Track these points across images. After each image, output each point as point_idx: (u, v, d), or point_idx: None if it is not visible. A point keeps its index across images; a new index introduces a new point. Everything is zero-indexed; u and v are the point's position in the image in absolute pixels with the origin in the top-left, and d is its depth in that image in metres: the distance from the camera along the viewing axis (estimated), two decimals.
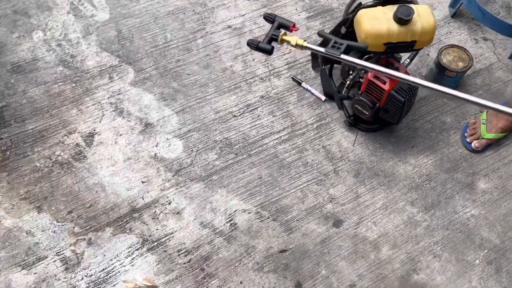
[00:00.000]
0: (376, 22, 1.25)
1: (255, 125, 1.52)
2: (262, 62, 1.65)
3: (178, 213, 1.35)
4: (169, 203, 1.36)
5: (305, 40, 1.05)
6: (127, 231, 1.31)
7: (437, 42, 1.72)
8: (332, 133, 1.52)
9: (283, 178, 1.42)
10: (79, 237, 1.30)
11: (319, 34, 1.14)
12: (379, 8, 1.29)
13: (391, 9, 1.27)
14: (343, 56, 0.99)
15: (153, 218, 1.34)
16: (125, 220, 1.33)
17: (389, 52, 1.29)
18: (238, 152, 1.45)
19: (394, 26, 1.24)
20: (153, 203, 1.36)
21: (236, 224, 1.34)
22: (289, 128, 1.52)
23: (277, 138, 1.50)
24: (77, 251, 1.28)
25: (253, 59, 1.66)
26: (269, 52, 0.99)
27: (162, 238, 1.31)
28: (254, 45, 1.00)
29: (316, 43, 1.78)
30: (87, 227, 1.31)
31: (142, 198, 1.37)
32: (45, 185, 1.37)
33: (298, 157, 1.47)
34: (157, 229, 1.32)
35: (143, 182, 1.39)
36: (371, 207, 1.39)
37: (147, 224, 1.33)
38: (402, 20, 1.22)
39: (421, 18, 1.26)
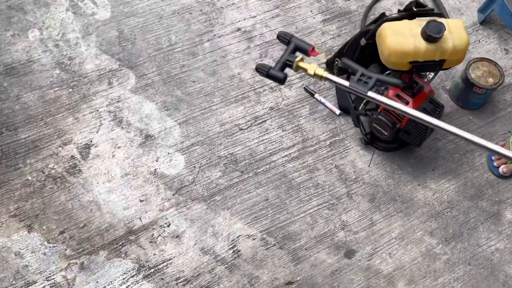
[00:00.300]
0: (401, 38, 1.12)
1: (263, 140, 1.41)
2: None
3: (177, 236, 1.25)
4: (168, 226, 1.27)
5: (325, 69, 0.92)
6: (123, 255, 1.23)
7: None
8: (346, 151, 1.41)
9: (291, 201, 1.32)
10: (71, 261, 1.21)
11: (344, 63, 0.98)
12: (405, 22, 1.16)
13: (418, 24, 1.14)
14: (371, 94, 0.86)
15: (150, 242, 1.25)
16: (120, 243, 1.24)
17: (414, 71, 1.17)
18: (244, 170, 1.35)
19: (422, 44, 1.11)
20: (151, 225, 1.27)
21: (239, 251, 1.24)
22: (300, 144, 1.41)
23: (286, 155, 1.39)
24: (68, 276, 1.20)
25: None
26: (281, 81, 0.87)
27: (160, 264, 1.22)
28: (263, 71, 0.88)
29: (332, 49, 1.66)
30: (80, 250, 1.23)
31: (140, 219, 1.27)
32: (36, 201, 1.28)
33: (308, 177, 1.36)
34: (154, 254, 1.23)
35: (141, 201, 1.29)
36: (386, 236, 1.28)
37: (144, 248, 1.24)
38: (431, 37, 1.09)
39: (452, 34, 1.13)
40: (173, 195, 1.31)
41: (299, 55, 0.92)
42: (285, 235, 1.27)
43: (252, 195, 1.32)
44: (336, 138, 1.42)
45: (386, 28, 1.14)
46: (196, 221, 1.27)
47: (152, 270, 1.21)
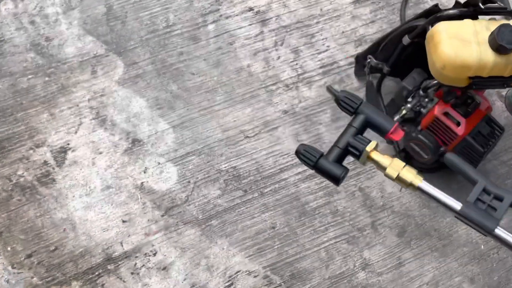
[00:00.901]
0: (461, 46, 0.85)
1: (273, 152, 1.17)
2: (290, 62, 1.27)
3: (164, 268, 1.05)
4: (154, 254, 1.06)
5: (419, 172, 0.63)
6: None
7: None
8: (374, 171, 1.16)
9: (303, 230, 1.10)
10: None
11: (449, 159, 0.65)
12: (468, 23, 0.87)
13: (485, 27, 0.86)
14: (499, 232, 0.59)
15: (132, 273, 1.05)
16: (97, 273, 1.05)
17: (473, 88, 0.90)
18: (248, 188, 1.12)
19: (489, 55, 0.84)
20: (134, 252, 1.07)
21: None
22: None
23: (300, 173, 1.16)
24: None
25: (278, 57, 1.28)
26: (336, 180, 0.59)
27: None
28: (310, 160, 0.59)
29: (362, 39, 1.31)
30: (49, 279, 1.04)
31: (121, 244, 1.07)
32: (1, 216, 1.09)
33: (325, 201, 1.13)
34: None
35: (123, 222, 1.09)
36: (417, 280, 1.06)
37: (124, 281, 1.04)
38: (504, 48, 0.82)
39: None
40: (162, 216, 1.10)
41: (369, 142, 0.61)
42: (293, 273, 1.06)
43: (257, 221, 1.10)
44: None
45: (441, 30, 0.86)
46: (187, 250, 1.07)
47: None
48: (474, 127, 0.97)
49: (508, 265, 1.09)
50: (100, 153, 1.15)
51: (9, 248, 1.07)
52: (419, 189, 0.60)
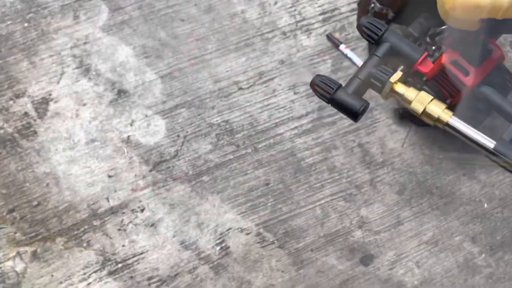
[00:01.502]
0: None
1: (268, 104, 1.10)
2: (288, 8, 1.18)
3: (152, 225, 1.01)
4: (142, 210, 1.02)
5: (450, 108, 0.58)
6: (84, 244, 1.00)
7: None
8: (374, 125, 1.10)
9: (298, 187, 1.05)
10: (21, 248, 0.99)
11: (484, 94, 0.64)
12: None
13: None
14: None
15: (119, 230, 1.01)
16: (82, 229, 1.00)
17: (485, 33, 0.82)
18: (241, 143, 1.06)
19: None
20: (121, 208, 1.02)
21: (228, 248, 1.00)
22: (315, 113, 1.10)
23: (296, 127, 1.09)
24: (17, 267, 0.98)
25: (275, 2, 1.18)
26: (355, 115, 0.52)
27: (130, 259, 0.99)
28: (326, 92, 0.52)
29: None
30: (32, 235, 1.00)
31: (107, 199, 1.03)
32: None
33: (322, 157, 1.07)
34: (123, 246, 1.00)
35: (109, 177, 1.04)
36: (415, 239, 1.02)
37: (110, 238, 1.00)
38: None
39: None
40: (150, 171, 1.05)
41: (394, 72, 0.55)
42: (287, 231, 1.02)
43: (250, 178, 1.05)
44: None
45: None
46: (176, 206, 1.02)
47: (120, 265, 0.99)
48: (484, 76, 0.90)
49: (509, 225, 1.05)
50: (84, 104, 1.09)
51: None
52: (447, 125, 0.55)
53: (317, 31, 1.17)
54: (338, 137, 1.08)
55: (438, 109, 0.57)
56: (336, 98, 0.52)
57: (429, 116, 0.58)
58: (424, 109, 0.57)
